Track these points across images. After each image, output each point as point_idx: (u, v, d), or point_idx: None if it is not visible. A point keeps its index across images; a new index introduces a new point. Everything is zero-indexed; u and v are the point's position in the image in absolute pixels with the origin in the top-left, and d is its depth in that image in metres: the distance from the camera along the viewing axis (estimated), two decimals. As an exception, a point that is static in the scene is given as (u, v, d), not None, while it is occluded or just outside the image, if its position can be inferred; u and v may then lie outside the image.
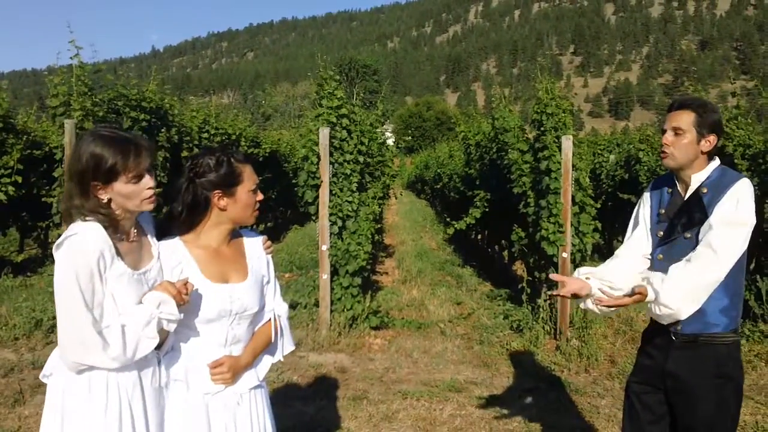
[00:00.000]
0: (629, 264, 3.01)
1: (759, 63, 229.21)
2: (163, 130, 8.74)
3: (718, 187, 2.78)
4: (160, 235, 2.37)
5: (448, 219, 12.01)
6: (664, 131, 2.90)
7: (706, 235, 2.70)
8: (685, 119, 2.82)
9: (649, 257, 3.01)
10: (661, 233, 2.94)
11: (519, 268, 10.69)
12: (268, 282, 2.61)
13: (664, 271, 2.82)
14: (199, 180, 2.34)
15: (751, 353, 6.56)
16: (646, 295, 2.67)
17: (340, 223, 7.27)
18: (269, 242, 2.69)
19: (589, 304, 2.93)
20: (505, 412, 5.19)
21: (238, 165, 2.39)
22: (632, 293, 2.70)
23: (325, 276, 7.13)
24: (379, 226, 8.46)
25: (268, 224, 17.58)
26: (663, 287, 2.66)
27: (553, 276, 3.00)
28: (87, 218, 2.11)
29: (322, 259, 7.15)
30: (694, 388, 2.79)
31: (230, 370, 2.38)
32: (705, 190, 2.81)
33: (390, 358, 6.57)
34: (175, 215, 2.36)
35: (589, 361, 6.39)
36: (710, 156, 2.87)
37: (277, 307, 2.63)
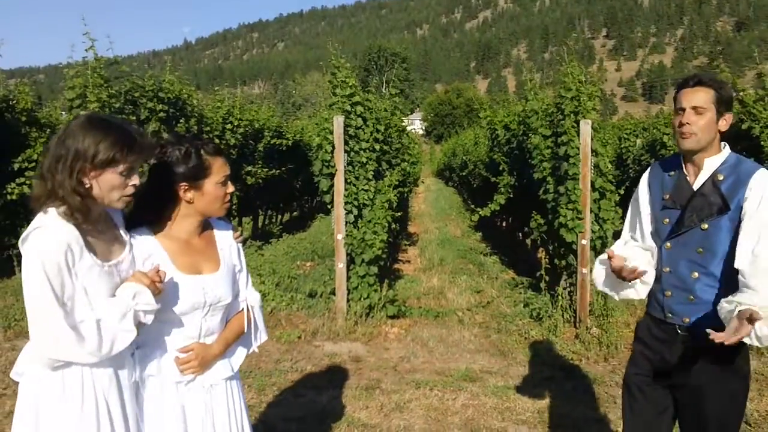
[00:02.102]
0: (641, 253, 2.86)
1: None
2: (181, 120, 8.76)
3: (737, 176, 2.61)
4: (130, 226, 2.31)
5: (473, 206, 11.90)
6: (679, 111, 2.70)
7: (760, 242, 2.45)
8: (704, 97, 2.64)
9: (653, 247, 2.86)
10: (667, 221, 2.77)
11: (543, 255, 10.54)
12: (240, 271, 2.57)
13: (674, 262, 2.71)
14: (166, 170, 2.28)
15: None
16: (754, 314, 2.31)
17: (355, 211, 7.21)
18: (239, 233, 2.64)
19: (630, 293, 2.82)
20: (519, 401, 5.11)
21: (207, 158, 2.33)
22: (740, 317, 2.31)
23: (341, 265, 7.09)
24: (398, 214, 8.37)
25: (294, 213, 17.64)
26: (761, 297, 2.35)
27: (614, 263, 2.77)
28: (54, 206, 2.04)
29: (337, 248, 7.11)
30: (703, 382, 2.67)
31: (198, 358, 2.33)
32: (721, 177, 2.64)
33: (405, 347, 6.52)
34: (144, 206, 2.31)
35: (609, 349, 6.28)
36: (722, 138, 2.74)
37: (250, 296, 2.59)
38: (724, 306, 2.43)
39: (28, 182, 8.98)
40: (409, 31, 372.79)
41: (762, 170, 2.59)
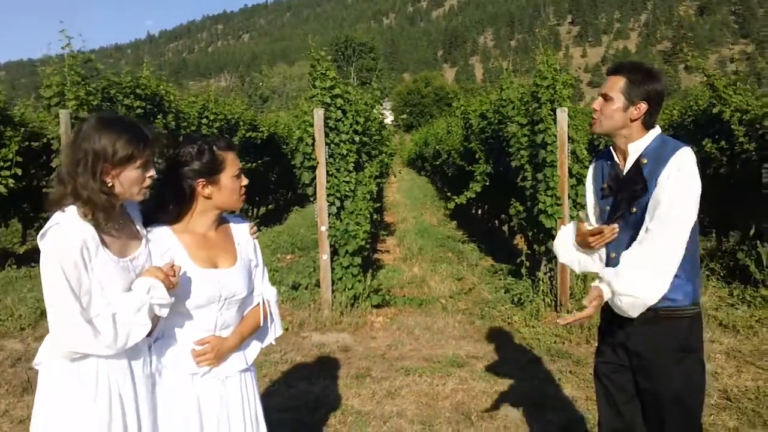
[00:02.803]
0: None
1: (758, 26, 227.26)
2: (159, 116, 8.74)
3: (658, 157, 2.69)
4: (148, 224, 2.39)
5: (449, 194, 12.02)
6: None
7: (656, 211, 2.61)
8: (615, 85, 2.74)
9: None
10: (608, 208, 2.88)
11: (520, 242, 10.71)
12: (256, 266, 2.64)
13: (616, 247, 2.81)
14: (182, 170, 2.36)
15: (753, 318, 6.61)
16: (602, 296, 2.64)
17: (338, 203, 7.29)
18: (255, 227, 2.71)
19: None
20: (507, 384, 5.25)
21: (219, 153, 2.42)
22: (589, 302, 2.64)
23: (325, 256, 7.17)
24: (378, 204, 8.49)
25: (269, 206, 17.63)
26: (618, 280, 2.61)
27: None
28: (73, 205, 2.12)
29: (321, 240, 7.19)
30: (658, 364, 2.74)
31: (213, 350, 2.41)
32: (645, 161, 2.73)
33: (392, 335, 6.63)
34: (162, 205, 2.38)
35: (590, 331, 6.42)
36: (648, 125, 2.77)
37: (266, 291, 2.66)
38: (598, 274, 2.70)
39: (3, 182, 8.91)
40: (375, 21, 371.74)
41: (683, 149, 2.66)
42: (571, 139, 7.11)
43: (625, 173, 2.80)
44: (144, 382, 2.29)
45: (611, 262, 2.84)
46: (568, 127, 6.98)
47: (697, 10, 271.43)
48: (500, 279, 8.75)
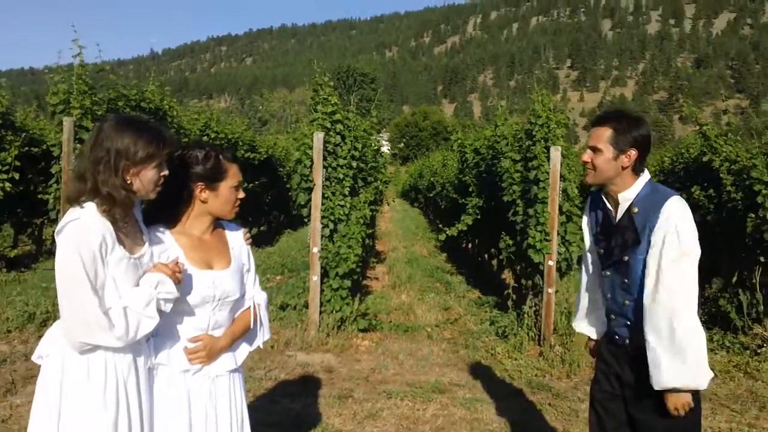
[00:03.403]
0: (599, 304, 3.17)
1: (753, 82, 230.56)
2: (161, 130, 8.84)
3: (649, 206, 2.74)
4: (147, 223, 2.49)
5: (440, 226, 12.15)
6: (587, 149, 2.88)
7: (660, 278, 2.64)
8: (602, 135, 2.80)
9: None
10: (602, 251, 2.97)
11: (507, 276, 10.82)
12: (248, 270, 2.75)
13: (611, 290, 2.92)
14: (185, 171, 2.48)
15: (730, 364, 6.71)
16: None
17: (331, 226, 7.40)
18: (248, 234, 2.83)
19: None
20: (487, 413, 5.32)
21: (225, 162, 2.55)
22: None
23: (315, 278, 7.25)
24: (370, 231, 8.61)
25: (261, 228, 17.69)
26: (663, 379, 2.64)
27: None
28: (92, 201, 2.21)
29: (312, 261, 7.28)
30: (651, 397, 2.77)
31: (206, 348, 2.51)
32: (636, 210, 2.77)
33: (376, 359, 6.70)
34: (162, 204, 2.48)
35: (571, 367, 6.53)
36: (637, 171, 2.82)
37: (257, 295, 2.77)
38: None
39: (1, 185, 8.99)
40: (378, 53, 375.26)
41: (672, 199, 2.70)
42: (563, 178, 7.27)
43: (617, 221, 2.87)
44: (145, 377, 2.38)
45: (608, 303, 2.99)
46: (561, 165, 7.14)
47: (694, 62, 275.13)
48: (486, 311, 8.84)
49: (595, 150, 2.81)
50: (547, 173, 7.09)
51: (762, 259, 7.32)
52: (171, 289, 2.29)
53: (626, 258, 2.81)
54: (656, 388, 2.67)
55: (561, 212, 7.29)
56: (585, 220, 3.16)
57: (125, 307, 2.22)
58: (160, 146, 2.30)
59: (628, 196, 2.81)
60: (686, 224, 2.65)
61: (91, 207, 2.21)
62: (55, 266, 2.19)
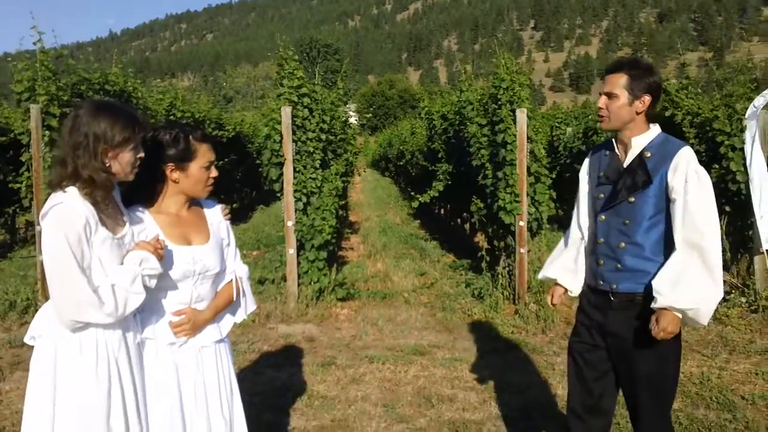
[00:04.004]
0: (580, 251, 3.25)
1: (716, 34, 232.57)
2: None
3: (662, 152, 2.84)
4: (126, 204, 2.57)
5: (412, 194, 12.27)
6: (600, 94, 2.97)
7: (685, 216, 2.75)
8: (617, 82, 2.89)
9: (584, 227, 3.20)
10: (602, 195, 3.04)
11: (480, 239, 10.98)
12: (228, 245, 2.84)
13: (606, 233, 2.98)
14: (157, 152, 2.55)
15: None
16: (670, 311, 2.74)
17: (304, 199, 7.48)
18: (227, 209, 2.92)
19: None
20: (466, 371, 5.50)
21: (194, 142, 2.61)
22: (656, 318, 2.76)
23: (292, 251, 7.35)
24: (343, 202, 8.70)
25: (234, 205, 17.67)
26: (679, 296, 2.71)
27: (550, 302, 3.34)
28: (73, 185, 2.29)
29: (288, 235, 7.36)
30: (634, 345, 2.88)
31: (190, 321, 2.61)
32: (649, 154, 2.87)
33: (356, 327, 6.84)
34: (138, 185, 2.55)
35: (546, 323, 6.72)
36: (650, 119, 2.94)
37: (238, 268, 2.86)
38: (654, 286, 2.79)
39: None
40: (340, 22, 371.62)
41: (686, 147, 2.83)
42: (529, 139, 7.39)
43: (626, 164, 2.95)
44: (134, 352, 2.48)
45: (599, 248, 3.04)
46: (527, 127, 7.26)
47: (657, 17, 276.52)
48: (461, 274, 9.02)
49: (611, 96, 2.91)
50: (515, 136, 7.20)
51: (727, 208, 7.52)
52: (155, 265, 2.39)
53: (632, 199, 2.89)
54: (674, 305, 2.71)
55: (529, 173, 7.43)
56: (585, 167, 3.23)
57: (113, 284, 2.31)
58: (135, 129, 2.38)
59: (641, 141, 2.92)
60: (702, 169, 2.79)
61: (73, 191, 2.30)
62: (42, 250, 2.27)
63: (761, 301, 6.91)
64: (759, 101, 6.75)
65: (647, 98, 2.88)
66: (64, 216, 2.25)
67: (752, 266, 7.23)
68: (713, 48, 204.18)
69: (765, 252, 6.89)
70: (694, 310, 2.71)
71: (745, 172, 6.99)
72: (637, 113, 2.90)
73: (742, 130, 7.07)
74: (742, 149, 7.13)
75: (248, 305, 2.90)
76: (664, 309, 2.73)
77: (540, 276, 3.44)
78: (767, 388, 5.05)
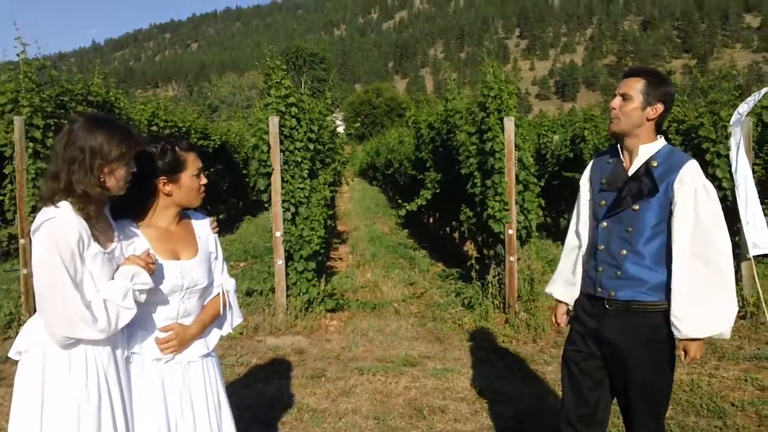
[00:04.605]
0: (578, 261, 3.23)
1: (699, 41, 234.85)
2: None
3: (669, 163, 2.83)
4: (115, 218, 2.52)
5: (400, 202, 12.24)
6: (614, 96, 2.97)
7: (698, 233, 2.75)
8: (634, 85, 2.89)
9: (583, 236, 3.17)
10: (604, 202, 3.02)
11: (469, 247, 10.97)
12: (215, 258, 2.80)
13: (607, 240, 2.96)
14: (146, 167, 2.50)
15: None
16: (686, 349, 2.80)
17: (292, 209, 7.42)
18: (215, 222, 2.88)
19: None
20: (457, 381, 5.45)
21: (181, 153, 2.58)
22: (683, 348, 2.82)
23: (280, 261, 7.28)
24: (331, 212, 8.66)
25: (221, 215, 17.58)
26: (696, 325, 2.75)
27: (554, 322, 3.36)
28: (66, 200, 2.25)
29: (276, 245, 7.30)
30: (630, 353, 2.88)
31: (177, 337, 2.57)
32: (656, 164, 2.86)
33: (346, 338, 6.78)
34: (128, 199, 2.51)
35: (537, 332, 6.70)
36: (658, 129, 2.94)
37: (225, 282, 2.82)
38: (674, 312, 2.79)
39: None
40: (326, 32, 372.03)
41: (693, 161, 2.82)
42: (517, 147, 7.38)
43: (632, 172, 2.93)
44: (122, 366, 2.43)
45: (599, 254, 3.01)
46: (515, 135, 7.25)
47: (640, 25, 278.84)
48: (451, 283, 8.98)
49: (626, 97, 2.90)
50: (503, 144, 7.19)
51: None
52: (146, 280, 2.35)
53: (637, 207, 2.87)
54: (700, 335, 2.76)
55: (518, 181, 7.42)
56: (586, 174, 3.21)
57: (105, 299, 2.27)
58: (132, 144, 2.35)
59: (649, 150, 2.91)
60: (709, 183, 2.80)
61: (65, 206, 2.26)
62: (33, 265, 2.23)
63: (749, 308, 6.93)
64: (743, 108, 6.76)
65: (660, 106, 2.88)
66: (58, 231, 2.21)
67: (739, 272, 7.23)
68: (697, 55, 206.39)
69: (752, 258, 6.90)
70: (720, 333, 2.77)
71: (731, 179, 7.00)
72: (648, 119, 2.89)
73: (727, 136, 7.08)
74: (727, 156, 7.14)
75: (234, 318, 2.86)
76: (691, 339, 2.76)
77: (549, 290, 3.42)
78: (756, 395, 5.06)
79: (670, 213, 2.83)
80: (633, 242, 2.90)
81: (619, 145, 3.04)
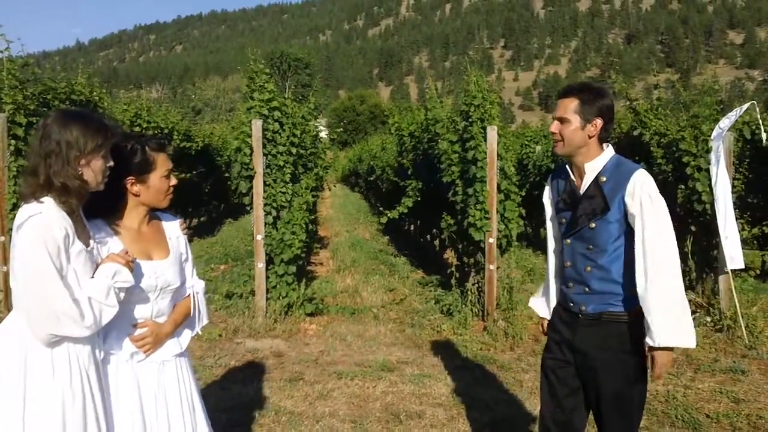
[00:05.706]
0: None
1: (683, 56, 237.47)
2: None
3: (617, 177, 2.85)
4: (87, 217, 2.50)
5: (381, 209, 12.26)
6: (553, 119, 2.97)
7: (645, 242, 2.76)
8: (569, 106, 2.88)
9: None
10: (564, 221, 3.07)
11: (450, 255, 11.01)
12: (186, 260, 2.82)
13: (572, 257, 3.00)
14: (115, 166, 2.48)
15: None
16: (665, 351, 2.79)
17: (274, 213, 7.44)
18: (185, 224, 2.91)
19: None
20: (435, 387, 5.48)
21: (151, 153, 2.57)
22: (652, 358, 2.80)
23: (261, 265, 7.29)
24: (313, 217, 8.68)
25: (202, 218, 17.52)
26: (661, 338, 2.73)
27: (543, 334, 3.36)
28: (48, 196, 2.25)
29: (257, 249, 7.31)
30: (601, 363, 2.90)
31: (152, 334, 2.58)
32: (604, 179, 2.87)
33: (325, 342, 6.79)
34: (98, 198, 2.49)
35: (515, 340, 6.75)
36: (602, 141, 2.93)
37: (195, 284, 2.86)
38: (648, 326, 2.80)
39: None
40: (311, 37, 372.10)
41: (640, 170, 2.83)
42: (500, 156, 7.44)
43: (583, 190, 2.94)
44: (101, 366, 2.44)
45: (567, 271, 3.06)
46: (498, 144, 7.31)
47: (625, 38, 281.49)
48: (430, 290, 9.02)
49: (563, 120, 2.90)
50: (485, 153, 7.25)
51: (693, 228, 7.63)
52: (127, 278, 2.36)
53: (593, 225, 2.89)
54: (668, 344, 2.74)
55: (499, 190, 7.47)
56: (546, 192, 3.23)
57: (89, 297, 2.27)
58: (107, 135, 2.35)
59: (595, 166, 2.92)
60: (658, 193, 2.79)
61: (49, 201, 2.26)
62: (18, 261, 2.21)
63: (726, 321, 7.00)
64: (724, 122, 6.87)
65: (599, 122, 2.87)
66: (44, 226, 2.20)
67: (717, 286, 7.32)
68: (680, 70, 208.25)
69: (730, 272, 6.99)
70: (683, 342, 2.78)
71: (711, 193, 7.10)
72: (590, 137, 2.89)
73: (708, 151, 7.18)
74: (707, 170, 7.24)
75: (202, 319, 2.89)
76: (659, 349, 2.77)
77: (532, 305, 3.48)
78: (731, 407, 5.11)
79: (629, 225, 2.86)
80: (595, 259, 2.93)
81: (568, 165, 3.06)
